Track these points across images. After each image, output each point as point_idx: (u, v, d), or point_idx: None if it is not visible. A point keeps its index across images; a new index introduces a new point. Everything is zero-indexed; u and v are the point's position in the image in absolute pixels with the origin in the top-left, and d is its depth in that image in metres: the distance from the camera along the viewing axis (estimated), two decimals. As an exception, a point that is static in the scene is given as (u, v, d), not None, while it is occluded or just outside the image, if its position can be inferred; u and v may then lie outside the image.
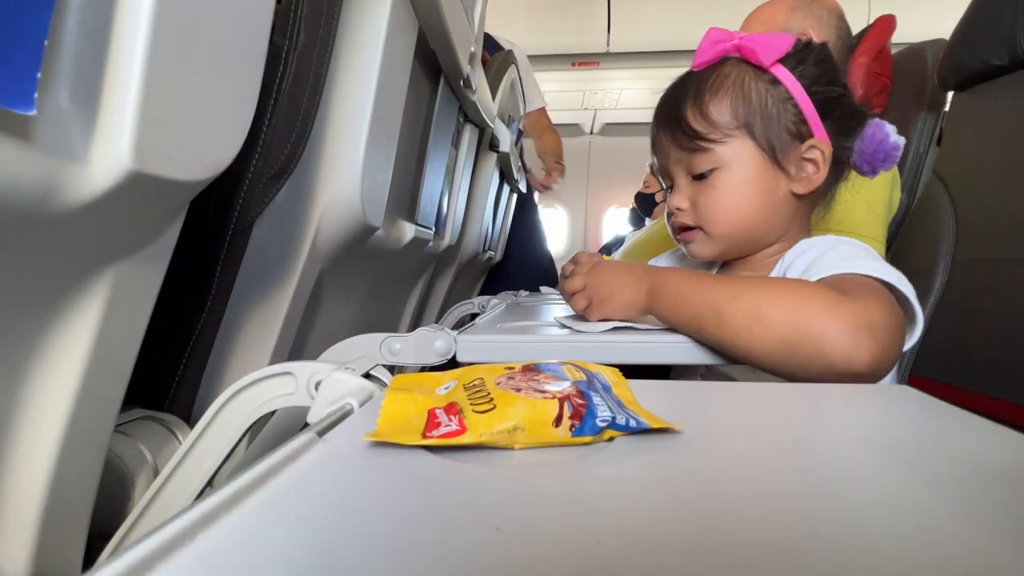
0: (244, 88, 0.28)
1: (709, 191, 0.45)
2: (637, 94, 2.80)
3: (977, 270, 0.69)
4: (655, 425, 0.18)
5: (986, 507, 0.13)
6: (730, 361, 0.38)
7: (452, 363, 0.43)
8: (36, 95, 0.17)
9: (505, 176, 1.18)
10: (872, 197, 0.74)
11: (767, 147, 0.44)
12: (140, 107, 0.21)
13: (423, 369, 0.50)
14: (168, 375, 0.40)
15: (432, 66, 0.60)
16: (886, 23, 0.95)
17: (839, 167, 0.46)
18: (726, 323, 0.35)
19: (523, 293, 1.08)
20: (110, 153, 0.20)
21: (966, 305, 0.69)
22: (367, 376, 0.28)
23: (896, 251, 0.84)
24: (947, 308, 0.72)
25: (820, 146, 0.44)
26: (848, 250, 0.41)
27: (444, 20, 0.49)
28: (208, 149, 0.26)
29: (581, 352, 0.39)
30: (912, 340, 0.38)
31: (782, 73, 0.43)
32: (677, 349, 0.39)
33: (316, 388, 0.28)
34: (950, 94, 0.83)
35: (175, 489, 0.30)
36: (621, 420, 0.18)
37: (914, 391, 0.23)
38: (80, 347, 0.25)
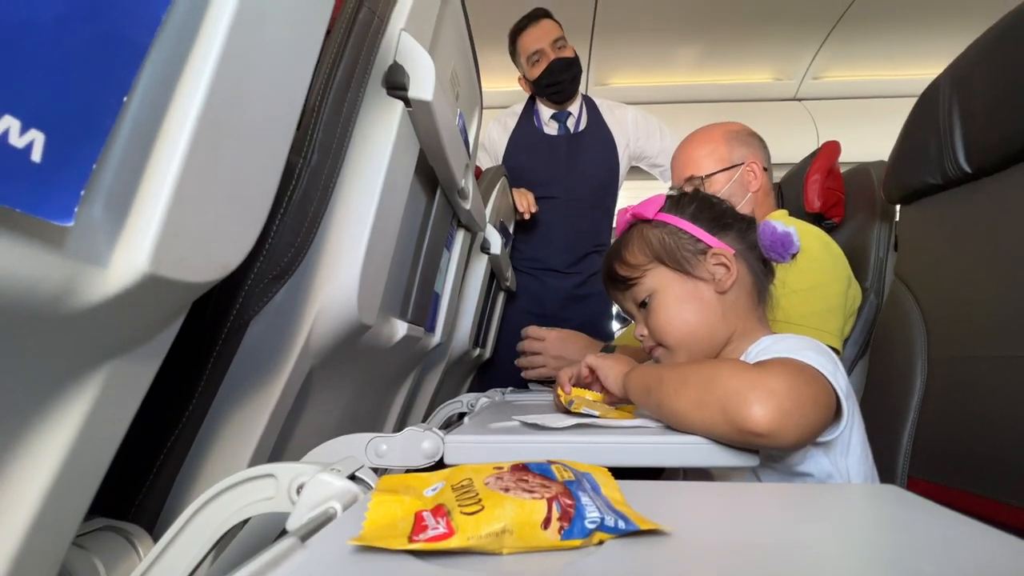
0: (258, 200, 0.31)
1: (653, 314, 0.56)
2: (622, 202, 3.01)
3: (954, 368, 0.70)
4: (643, 527, 0.18)
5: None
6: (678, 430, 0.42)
7: (440, 465, 0.41)
8: (76, 209, 0.19)
9: (496, 275, 1.23)
10: (826, 293, 0.79)
11: (679, 267, 0.55)
12: (165, 218, 0.23)
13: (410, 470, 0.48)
14: (137, 480, 0.38)
15: (430, 178, 0.66)
16: (832, 147, 1.08)
17: (754, 263, 0.56)
18: (663, 386, 0.44)
19: (510, 389, 1.07)
20: (130, 257, 0.22)
21: (950, 403, 0.70)
22: (352, 478, 0.27)
23: (874, 351, 0.86)
24: (931, 407, 0.72)
25: (720, 252, 0.54)
26: (792, 343, 0.46)
27: (442, 143, 0.55)
28: (219, 252, 0.28)
29: (568, 453, 0.39)
30: (838, 426, 0.42)
31: (666, 217, 0.57)
32: (662, 451, 0.39)
33: (298, 492, 0.27)
34: (898, 206, 0.91)
35: (130, 611, 0.28)
36: (610, 521, 0.18)
37: (897, 490, 0.23)
38: (58, 449, 0.25)
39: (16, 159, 0.17)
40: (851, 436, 0.44)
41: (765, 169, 0.95)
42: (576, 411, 0.49)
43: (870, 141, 2.04)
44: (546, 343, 1.02)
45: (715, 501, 0.24)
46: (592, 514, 0.18)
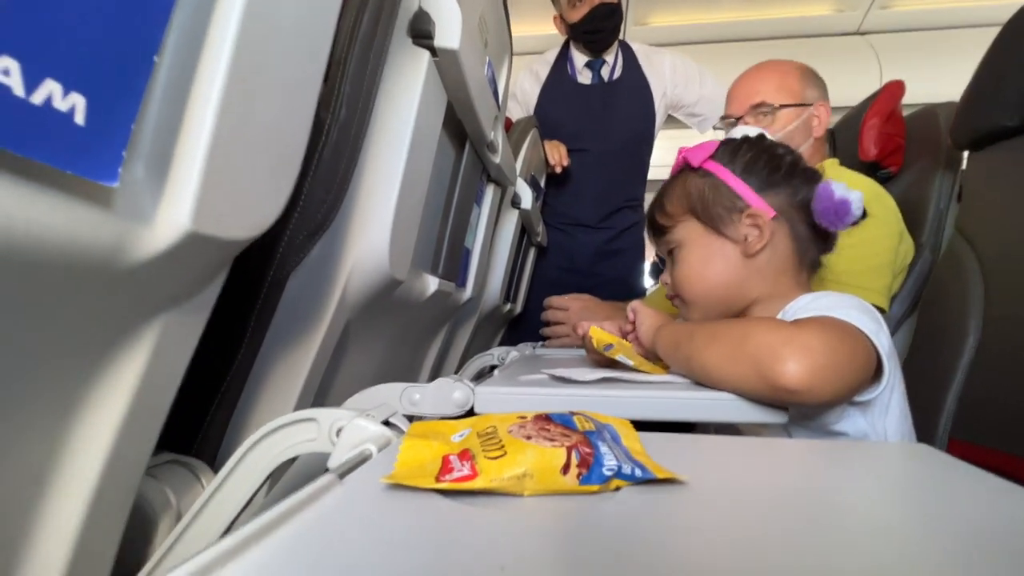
0: (289, 157, 0.31)
1: (676, 265, 0.57)
2: (657, 153, 2.88)
3: (1011, 327, 0.66)
4: (660, 475, 0.19)
5: (984, 559, 0.13)
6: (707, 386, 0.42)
7: (470, 414, 0.43)
8: (120, 169, 0.20)
9: (527, 230, 1.22)
10: (876, 250, 0.75)
11: (711, 223, 0.53)
12: (202, 176, 0.24)
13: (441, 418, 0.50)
14: (196, 420, 0.41)
15: (459, 132, 0.65)
16: (895, 88, 0.98)
17: (800, 227, 0.53)
18: (694, 341, 0.44)
19: (541, 344, 1.09)
20: (173, 215, 0.23)
21: (1003, 364, 0.66)
22: (386, 423, 0.29)
23: (924, 309, 0.82)
24: (983, 367, 0.69)
25: (757, 214, 0.51)
26: (833, 300, 0.45)
27: (470, 94, 0.54)
28: (255, 210, 0.29)
29: (595, 407, 0.40)
30: (878, 387, 0.41)
31: (712, 166, 0.53)
32: (688, 405, 0.39)
33: (337, 434, 0.29)
34: (965, 153, 0.83)
35: (197, 533, 0.31)
36: (627, 469, 0.19)
37: (927, 449, 0.22)
38: (124, 392, 0.27)
39: (61, 122, 0.18)
40: (891, 397, 0.43)
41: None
42: (613, 356, 0.49)
43: (941, 80, 1.85)
44: (569, 312, 1.02)
45: (737, 454, 0.24)
46: (610, 462, 0.19)
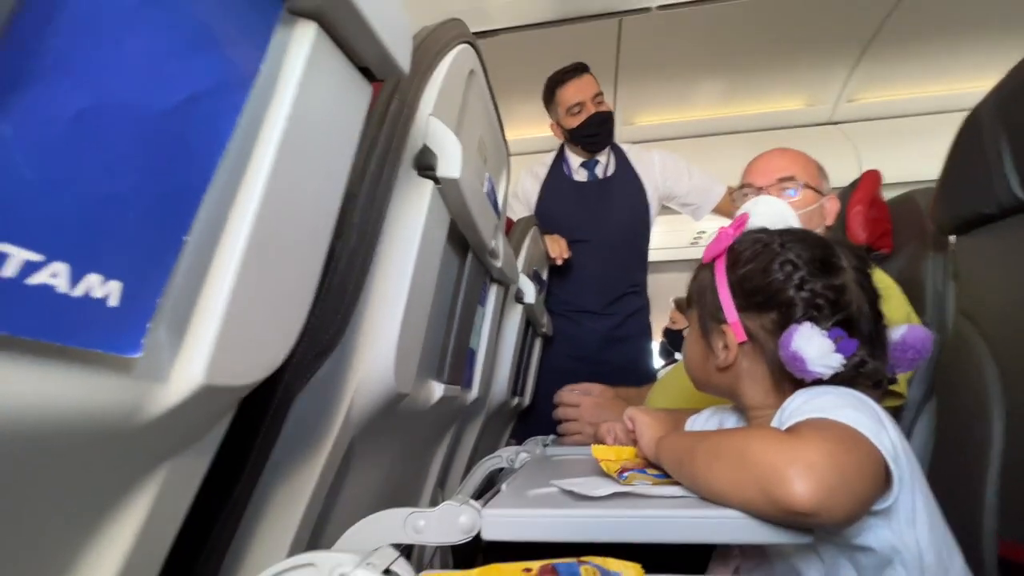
0: (302, 298, 0.33)
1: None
2: (661, 237, 2.98)
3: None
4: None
5: None
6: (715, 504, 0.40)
7: (476, 539, 0.41)
8: (144, 340, 0.21)
9: (531, 323, 1.24)
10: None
11: (701, 321, 0.54)
12: (219, 332, 0.25)
13: (443, 555, 0.48)
14: (188, 564, 0.39)
15: (461, 242, 0.69)
16: (873, 176, 1.04)
17: (771, 354, 0.47)
18: (695, 460, 0.42)
19: (550, 438, 1.06)
20: (188, 372, 0.25)
21: (1037, 454, 0.63)
22: (387, 572, 0.28)
23: (941, 395, 0.80)
24: (1017, 458, 0.65)
25: (728, 332, 0.50)
26: (828, 400, 0.42)
27: (471, 213, 0.58)
28: (267, 352, 0.30)
29: (607, 529, 0.38)
30: (891, 494, 0.38)
31: (716, 266, 0.53)
32: (702, 526, 0.37)
33: (337, 583, 0.28)
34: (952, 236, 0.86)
35: None
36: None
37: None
38: (123, 543, 0.27)
39: (97, 309, 0.19)
40: (915, 501, 0.41)
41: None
42: (630, 484, 0.46)
43: (918, 161, 1.96)
44: (581, 409, 1.00)
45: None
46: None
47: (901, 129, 2.22)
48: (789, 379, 0.47)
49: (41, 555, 0.24)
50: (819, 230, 0.89)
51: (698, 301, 0.55)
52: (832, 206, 0.92)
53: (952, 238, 0.87)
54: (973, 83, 2.05)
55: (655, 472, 0.51)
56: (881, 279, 0.80)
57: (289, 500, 0.42)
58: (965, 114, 0.78)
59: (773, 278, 0.48)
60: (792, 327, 0.45)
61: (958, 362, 0.78)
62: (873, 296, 0.49)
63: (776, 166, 0.92)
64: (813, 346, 0.43)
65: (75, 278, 0.18)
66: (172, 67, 0.21)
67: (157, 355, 0.23)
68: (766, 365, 0.49)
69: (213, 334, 0.25)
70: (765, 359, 0.49)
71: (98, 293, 0.19)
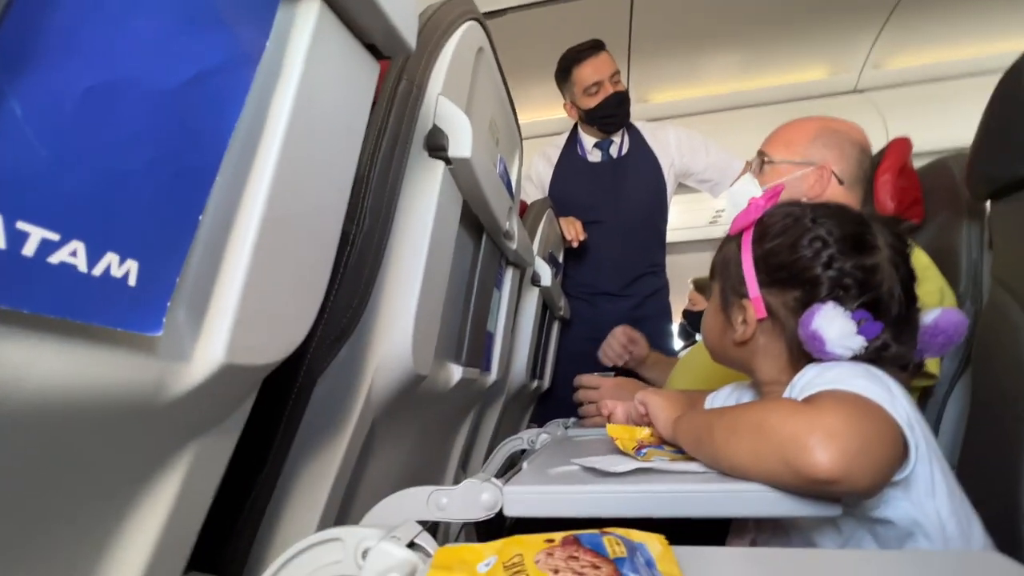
0: (318, 277, 0.34)
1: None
2: (679, 217, 2.93)
3: (1079, 385, 0.61)
4: (701, 615, 0.17)
5: None
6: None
7: (499, 515, 0.42)
8: (164, 319, 0.22)
9: (548, 306, 1.23)
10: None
11: (722, 294, 0.53)
12: (237, 311, 0.25)
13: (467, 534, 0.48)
14: (222, 538, 0.41)
15: (476, 224, 0.68)
16: (902, 144, 1.00)
17: (791, 331, 0.47)
18: (714, 436, 0.42)
19: (571, 421, 1.06)
20: (209, 351, 0.25)
21: (1078, 426, 0.61)
22: (412, 544, 0.28)
23: (977, 367, 0.77)
24: (1056, 430, 0.63)
25: (748, 307, 0.50)
26: (840, 372, 0.41)
27: (484, 193, 0.57)
28: (286, 332, 0.30)
29: (628, 504, 0.38)
30: (909, 464, 0.38)
31: (743, 240, 0.51)
32: (726, 500, 0.37)
33: (363, 556, 0.28)
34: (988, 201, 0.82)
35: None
36: (664, 609, 0.17)
37: (999, 558, 0.20)
38: (156, 521, 0.28)
39: (117, 287, 0.20)
40: (932, 471, 0.39)
41: (842, 183, 0.89)
42: (648, 460, 0.46)
43: (947, 127, 1.87)
44: (601, 391, 1.00)
45: (783, 571, 0.22)
46: (645, 599, 0.18)
47: (931, 95, 2.12)
48: (807, 357, 0.46)
49: (80, 527, 0.25)
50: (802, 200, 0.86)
51: (721, 273, 0.54)
52: (820, 175, 0.88)
53: (988, 204, 0.83)
54: (1006, 43, 1.94)
55: (672, 448, 0.51)
56: (918, 259, 0.77)
57: (316, 479, 0.43)
58: (999, 76, 0.74)
59: (800, 255, 0.46)
60: (815, 306, 0.44)
61: (994, 332, 0.75)
62: (908, 277, 0.47)
63: (764, 140, 0.92)
64: (834, 327, 0.42)
65: (93, 257, 0.19)
66: (177, 45, 0.21)
67: (178, 334, 0.24)
68: (784, 343, 0.48)
69: (232, 313, 0.25)
70: (784, 337, 0.48)
71: (117, 272, 0.20)
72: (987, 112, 0.77)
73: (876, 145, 1.12)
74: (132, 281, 0.20)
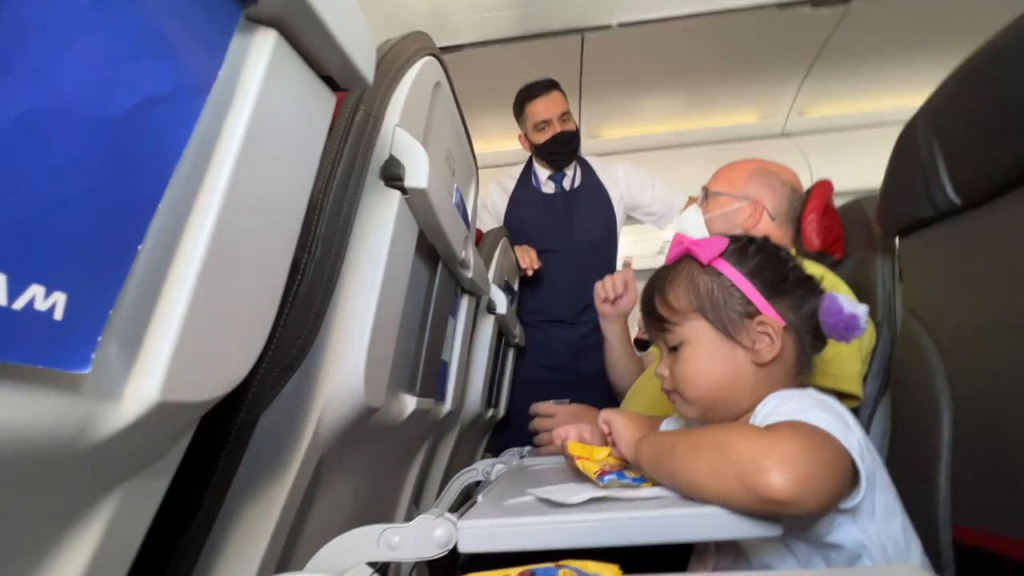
0: (264, 309, 0.32)
1: (679, 362, 0.53)
2: (630, 247, 3.03)
3: (982, 404, 0.68)
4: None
5: None
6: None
7: (454, 552, 0.41)
8: (93, 355, 0.20)
9: (504, 334, 1.24)
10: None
11: (720, 326, 0.52)
12: (175, 347, 0.24)
13: (419, 572, 0.46)
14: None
15: (431, 253, 0.68)
16: (825, 186, 1.10)
17: (803, 336, 0.52)
18: (675, 454, 0.43)
19: (527, 449, 1.05)
20: (142, 388, 0.23)
21: (983, 442, 0.67)
22: (361, 588, 0.27)
23: (895, 389, 0.84)
24: (964, 447, 0.69)
25: (769, 322, 0.50)
26: (798, 404, 0.44)
27: (440, 223, 0.58)
28: (228, 367, 0.29)
29: (582, 534, 0.38)
30: (859, 492, 0.40)
31: (722, 266, 0.53)
32: (681, 524, 0.38)
33: (307, 605, 0.27)
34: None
35: None
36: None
37: (919, 571, 0.22)
38: (75, 570, 0.25)
39: (40, 321, 0.18)
40: (874, 498, 0.43)
41: (773, 218, 0.98)
42: (611, 488, 0.45)
43: (865, 170, 2.08)
44: (556, 418, 1.01)
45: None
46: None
47: (850, 140, 2.36)
48: (807, 367, 0.53)
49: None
50: (737, 230, 0.95)
51: (708, 307, 0.52)
52: (754, 212, 0.97)
53: (897, 241, 0.92)
54: (910, 98, 2.21)
55: (632, 476, 0.51)
56: (840, 290, 0.85)
57: (257, 521, 0.40)
58: (902, 127, 0.84)
59: (786, 261, 0.53)
60: (829, 295, 0.50)
61: (907, 357, 0.82)
62: None
63: (711, 177, 1.02)
64: (855, 307, 0.48)
65: (14, 289, 0.17)
66: (124, 71, 0.21)
67: (108, 371, 0.22)
68: (795, 350, 0.52)
69: (169, 348, 0.24)
70: (796, 343, 0.52)
71: (41, 306, 0.18)
72: (891, 161, 0.87)
73: (803, 182, 1.23)
74: (59, 315, 0.19)
